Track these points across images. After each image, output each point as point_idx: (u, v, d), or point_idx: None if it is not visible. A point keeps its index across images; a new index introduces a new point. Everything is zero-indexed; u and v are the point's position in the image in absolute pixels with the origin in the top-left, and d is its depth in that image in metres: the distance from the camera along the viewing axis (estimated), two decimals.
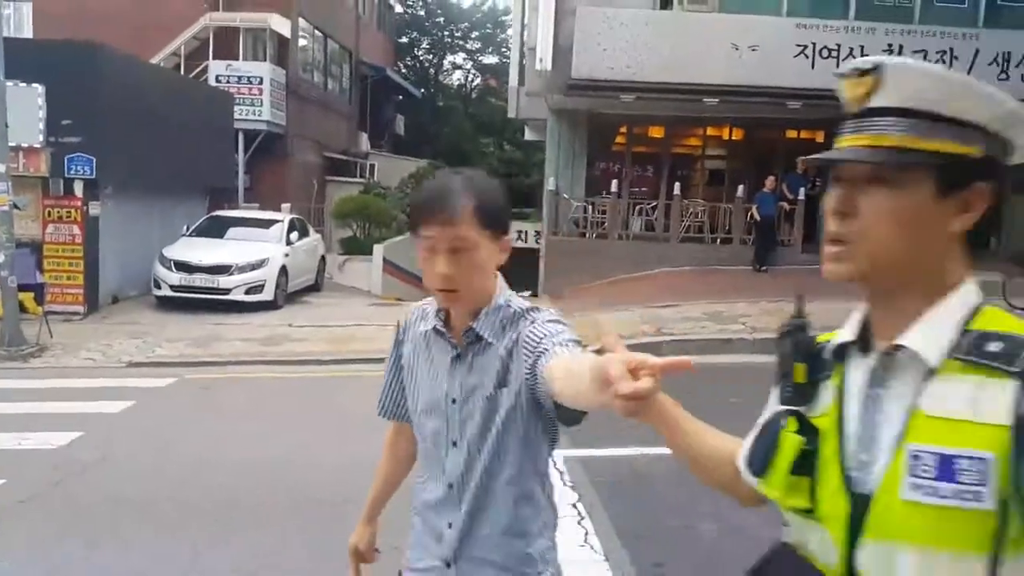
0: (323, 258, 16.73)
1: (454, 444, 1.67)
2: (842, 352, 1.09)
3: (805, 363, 1.10)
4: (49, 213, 12.11)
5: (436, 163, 26.77)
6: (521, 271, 20.61)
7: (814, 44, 13.71)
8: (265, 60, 20.39)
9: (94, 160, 11.96)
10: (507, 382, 1.61)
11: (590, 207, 15.80)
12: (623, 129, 17.15)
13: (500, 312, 1.65)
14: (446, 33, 37.71)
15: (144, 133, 13.09)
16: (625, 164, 17.08)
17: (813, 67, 13.54)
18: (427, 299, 1.79)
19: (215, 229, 13.95)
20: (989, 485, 0.91)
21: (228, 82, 19.36)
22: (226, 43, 20.07)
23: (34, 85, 11.52)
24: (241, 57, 20.20)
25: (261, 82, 19.77)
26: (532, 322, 1.60)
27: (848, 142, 1.04)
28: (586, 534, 4.42)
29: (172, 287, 12.65)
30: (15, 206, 10.73)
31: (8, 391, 7.91)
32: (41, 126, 11.70)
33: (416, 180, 24.75)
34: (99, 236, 12.48)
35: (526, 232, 23.11)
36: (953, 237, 1.02)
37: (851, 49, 13.54)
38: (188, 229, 13.93)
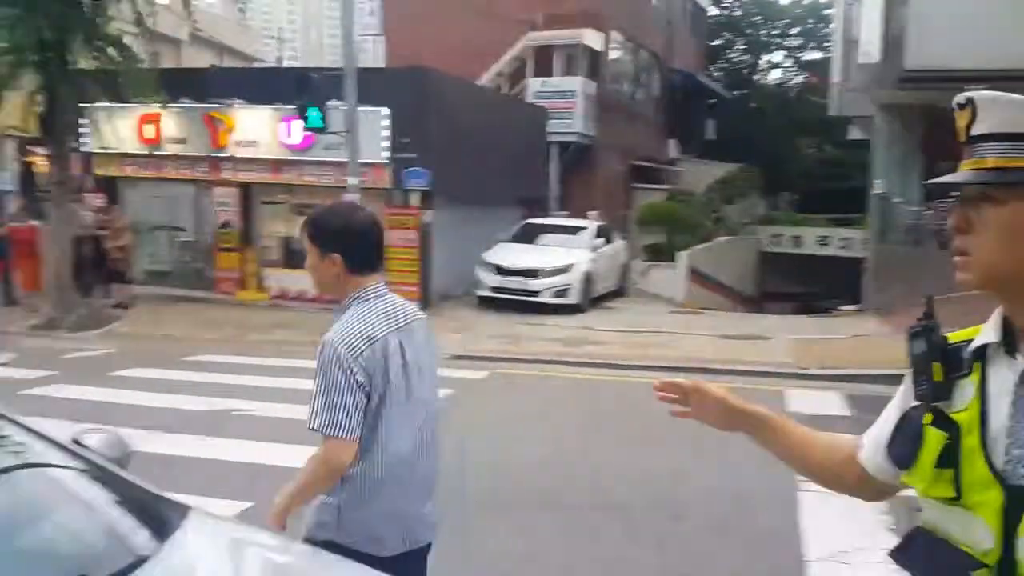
0: (627, 264, 16.92)
1: None
2: (982, 352, 1.16)
3: (941, 362, 1.17)
4: (391, 221, 13.69)
5: (747, 167, 25.77)
6: (844, 281, 19.07)
7: None
8: (578, 74, 21.18)
9: (428, 173, 13.30)
10: None
11: (928, 213, 14.10)
12: None
13: (338, 313, 2.23)
14: (763, 32, 36.23)
15: (469, 148, 14.29)
16: None
17: None
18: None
19: (528, 235, 14.82)
20: None
21: (544, 98, 20.42)
22: (543, 60, 21.20)
23: (380, 108, 13.14)
24: (555, 72, 21.20)
25: (574, 96, 20.55)
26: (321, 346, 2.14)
27: (963, 167, 1.16)
28: None
29: (491, 288, 13.68)
30: None
31: None
32: (385, 144, 13.31)
33: (724, 185, 24.07)
34: (431, 241, 13.85)
35: (849, 239, 21.29)
36: None
37: None
38: (505, 235, 14.94)
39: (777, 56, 37.56)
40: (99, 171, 14.63)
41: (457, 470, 5.63)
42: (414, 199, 13.59)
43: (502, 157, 15.62)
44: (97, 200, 14.51)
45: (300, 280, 14.30)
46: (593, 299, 14.29)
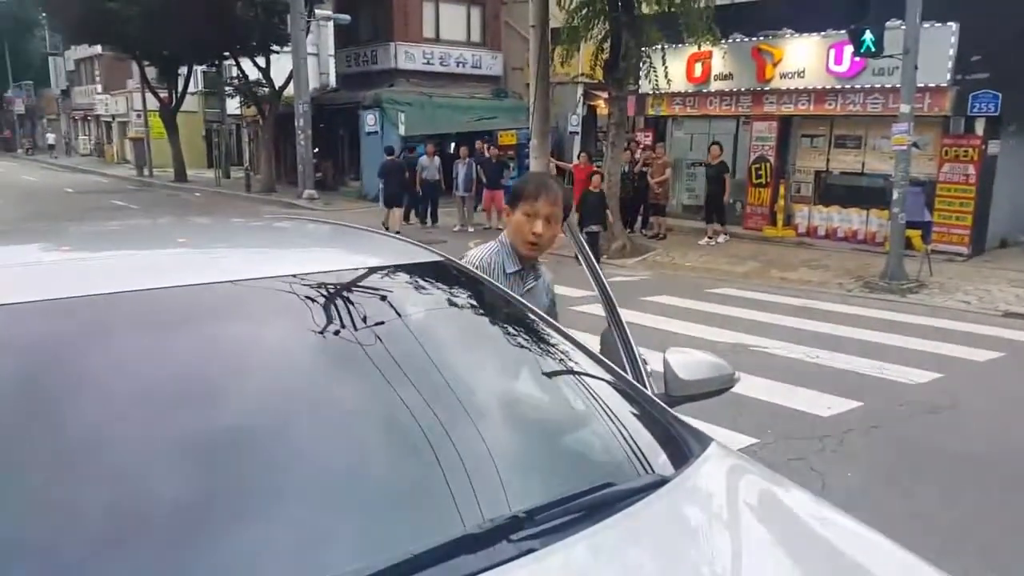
0: None
1: None
2: None
3: None
4: (946, 152, 12.05)
5: None
6: None
7: None
8: None
9: (999, 97, 11.28)
10: None
11: None
12: None
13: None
14: None
15: None
16: None
17: None
18: None
19: None
20: None
21: None
22: None
23: (949, 24, 11.47)
24: None
25: None
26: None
27: None
28: None
29: None
30: (915, 146, 11.01)
31: (880, 321, 8.35)
32: (950, 64, 11.63)
33: None
34: (994, 176, 11.84)
35: None
36: None
37: None
38: None
39: None
40: (651, 111, 15.85)
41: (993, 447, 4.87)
42: (978, 127, 11.74)
43: None
44: (646, 139, 15.81)
45: (831, 217, 13.70)
46: None
